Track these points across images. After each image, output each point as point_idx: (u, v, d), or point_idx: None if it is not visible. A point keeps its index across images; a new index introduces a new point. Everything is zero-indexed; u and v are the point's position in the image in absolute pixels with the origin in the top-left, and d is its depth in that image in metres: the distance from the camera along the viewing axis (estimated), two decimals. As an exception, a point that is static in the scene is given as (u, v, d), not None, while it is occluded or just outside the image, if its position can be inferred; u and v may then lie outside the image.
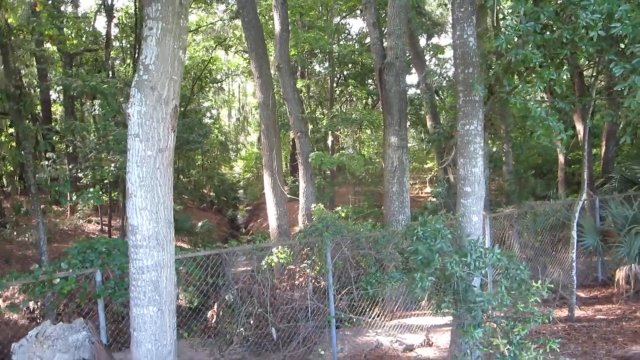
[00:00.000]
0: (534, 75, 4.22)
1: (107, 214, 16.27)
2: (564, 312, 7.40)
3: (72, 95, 13.59)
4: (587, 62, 8.26)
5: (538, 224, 8.44)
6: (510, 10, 3.97)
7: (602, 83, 10.03)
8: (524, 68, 4.22)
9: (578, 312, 7.36)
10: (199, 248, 9.38)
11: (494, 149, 16.77)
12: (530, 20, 3.84)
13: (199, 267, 6.68)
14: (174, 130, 2.69)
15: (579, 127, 10.55)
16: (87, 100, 15.92)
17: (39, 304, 8.61)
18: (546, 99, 8.84)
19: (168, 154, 2.69)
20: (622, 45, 4.21)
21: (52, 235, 12.44)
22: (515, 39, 4.00)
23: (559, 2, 4.27)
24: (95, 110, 13.15)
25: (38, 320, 7.99)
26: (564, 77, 3.83)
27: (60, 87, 13.26)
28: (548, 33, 3.97)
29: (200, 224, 16.96)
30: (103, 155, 11.84)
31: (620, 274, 7.23)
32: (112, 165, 11.16)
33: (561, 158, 13.13)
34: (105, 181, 12.64)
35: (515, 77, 4.82)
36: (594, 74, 6.75)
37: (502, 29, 4.31)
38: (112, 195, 14.26)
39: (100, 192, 11.33)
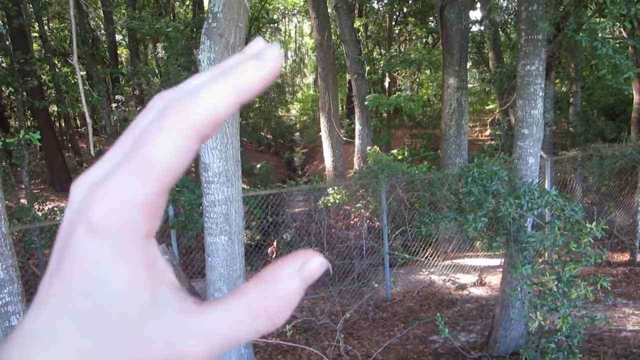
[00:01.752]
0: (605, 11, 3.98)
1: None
2: (625, 257, 7.30)
3: (137, 38, 14.05)
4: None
5: (604, 167, 8.12)
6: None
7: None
8: (594, 3, 3.97)
9: (640, 258, 7.23)
10: (259, 188, 9.84)
11: (563, 89, 15.82)
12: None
13: (260, 206, 7.09)
14: (239, 75, 2.85)
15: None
16: (150, 43, 16.41)
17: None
18: (625, 36, 8.20)
19: (235, 98, 2.88)
20: None
21: (124, 173, 13.38)
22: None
23: None
24: (158, 53, 13.57)
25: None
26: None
27: (126, 31, 13.72)
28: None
29: (258, 165, 17.54)
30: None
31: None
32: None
33: (636, 98, 12.24)
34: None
35: (588, 12, 4.54)
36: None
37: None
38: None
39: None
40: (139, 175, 0.24)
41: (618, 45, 3.97)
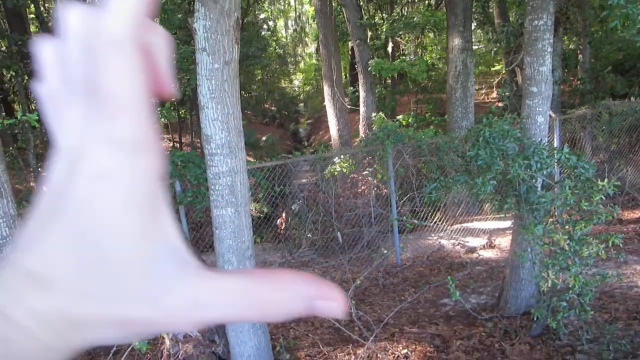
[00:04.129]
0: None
1: (177, 130, 17.13)
2: (636, 214, 7.24)
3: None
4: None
5: (613, 124, 7.96)
6: None
7: None
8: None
9: (651, 214, 7.18)
10: (265, 161, 9.82)
11: (571, 47, 15.42)
12: None
13: (266, 178, 7.07)
14: (237, 42, 2.79)
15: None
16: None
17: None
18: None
19: (234, 66, 2.82)
20: None
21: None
22: None
23: None
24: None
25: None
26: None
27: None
28: None
29: (264, 138, 17.49)
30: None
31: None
32: (179, 83, 11.52)
33: (647, 52, 11.91)
34: (173, 99, 13.13)
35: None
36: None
37: None
38: (180, 112, 14.89)
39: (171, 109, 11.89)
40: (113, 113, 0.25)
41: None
